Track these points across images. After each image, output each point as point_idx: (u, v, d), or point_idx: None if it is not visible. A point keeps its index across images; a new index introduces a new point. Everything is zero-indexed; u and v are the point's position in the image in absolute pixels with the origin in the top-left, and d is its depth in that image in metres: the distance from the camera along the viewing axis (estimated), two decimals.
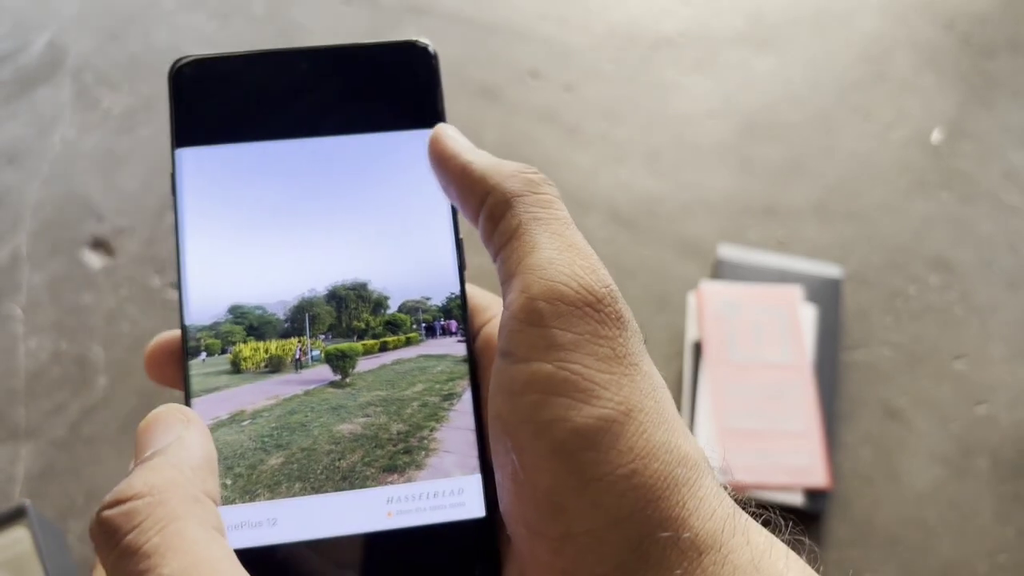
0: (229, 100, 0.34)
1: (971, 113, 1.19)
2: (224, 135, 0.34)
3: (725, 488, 0.29)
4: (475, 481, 0.31)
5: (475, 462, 0.31)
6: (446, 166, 0.31)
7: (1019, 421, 0.97)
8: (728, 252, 1.03)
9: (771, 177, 1.13)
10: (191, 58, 0.34)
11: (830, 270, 1.03)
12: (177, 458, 0.26)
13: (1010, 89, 1.21)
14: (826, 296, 1.01)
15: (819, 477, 0.89)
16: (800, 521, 1.01)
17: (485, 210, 0.30)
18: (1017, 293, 1.05)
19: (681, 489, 0.26)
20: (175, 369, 0.31)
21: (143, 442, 0.27)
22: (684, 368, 0.97)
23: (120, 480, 0.24)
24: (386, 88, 0.35)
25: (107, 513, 0.24)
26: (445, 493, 0.31)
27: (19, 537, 0.75)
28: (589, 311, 0.27)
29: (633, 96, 1.20)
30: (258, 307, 0.32)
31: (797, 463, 0.90)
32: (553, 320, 0.26)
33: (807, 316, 0.99)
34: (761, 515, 0.30)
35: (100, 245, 1.06)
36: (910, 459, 0.95)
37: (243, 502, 0.30)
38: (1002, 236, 1.09)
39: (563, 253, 0.28)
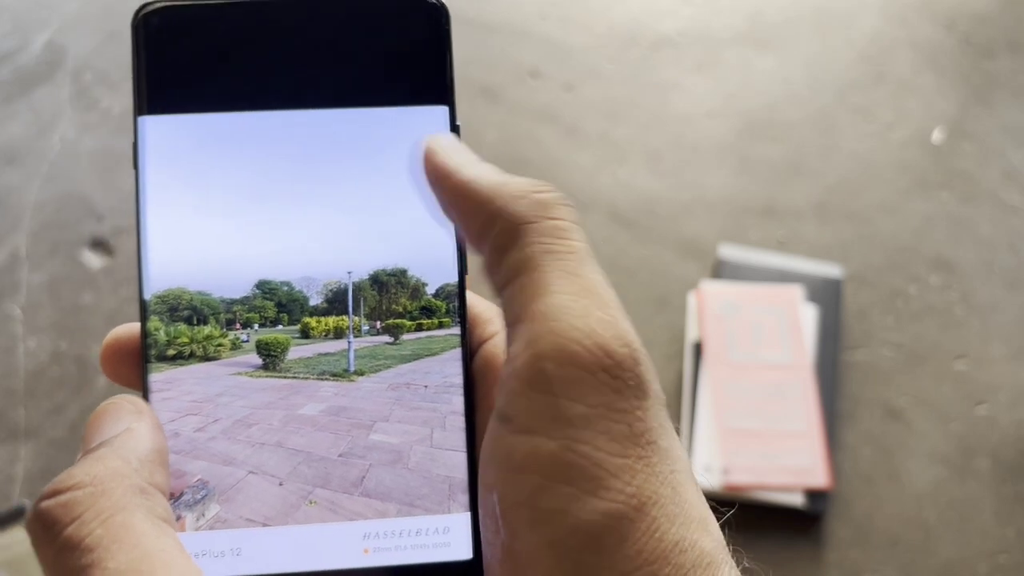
0: (205, 59, 0.29)
1: (971, 113, 1.19)
2: (199, 101, 0.29)
3: (738, 558, 0.25)
4: (463, 520, 0.27)
5: (465, 500, 0.28)
6: (444, 185, 0.27)
7: (1019, 421, 0.97)
8: (728, 252, 1.03)
9: (771, 177, 1.13)
10: (160, 5, 0.29)
11: (830, 270, 1.03)
12: (124, 448, 0.24)
13: (1010, 89, 1.21)
14: (826, 296, 1.01)
15: (819, 477, 0.89)
16: (800, 521, 1.01)
17: (491, 239, 0.25)
18: (1017, 293, 1.05)
19: None
20: (133, 368, 0.28)
21: (90, 433, 0.25)
22: (684, 368, 0.97)
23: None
24: (386, 52, 0.29)
25: (45, 504, 0.22)
26: (429, 531, 0.27)
27: (19, 537, 0.75)
28: (605, 377, 0.23)
29: (633, 96, 1.20)
30: (219, 298, 0.29)
31: (797, 463, 0.90)
32: (562, 387, 0.23)
33: (807, 316, 0.99)
34: None
35: (100, 245, 1.06)
36: (910, 459, 0.95)
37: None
38: (1002, 236, 1.09)
39: (579, 300, 0.24)
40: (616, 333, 0.24)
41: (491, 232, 0.25)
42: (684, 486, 0.24)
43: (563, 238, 0.25)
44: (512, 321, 0.24)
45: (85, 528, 0.22)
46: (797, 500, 0.89)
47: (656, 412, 0.24)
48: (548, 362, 0.23)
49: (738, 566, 0.25)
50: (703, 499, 0.24)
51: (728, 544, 0.25)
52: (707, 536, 0.23)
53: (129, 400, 0.26)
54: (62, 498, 0.22)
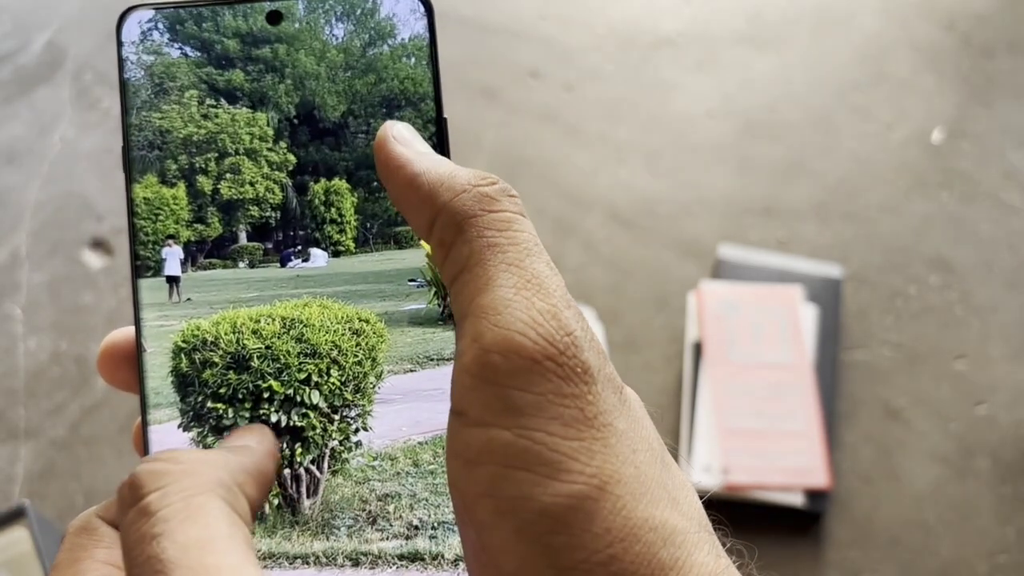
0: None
1: (971, 113, 1.19)
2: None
3: (724, 538, 0.25)
4: None
5: None
6: (392, 179, 0.26)
7: (1019, 421, 0.97)
8: (728, 252, 1.03)
9: (771, 177, 1.13)
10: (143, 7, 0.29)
11: (830, 270, 1.03)
12: (232, 453, 0.25)
13: (1010, 89, 1.21)
14: (826, 296, 1.01)
15: (819, 477, 0.89)
16: (800, 521, 1.01)
17: (435, 234, 0.26)
18: (1017, 293, 1.05)
19: (668, 574, 0.22)
20: (130, 371, 0.28)
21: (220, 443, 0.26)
22: (684, 368, 0.97)
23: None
24: None
25: (139, 468, 0.24)
26: None
27: (19, 537, 0.75)
28: (551, 365, 0.23)
29: (633, 96, 1.20)
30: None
31: (797, 463, 0.90)
32: (510, 378, 0.23)
33: (807, 316, 0.99)
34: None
35: (100, 245, 1.06)
36: (910, 459, 0.95)
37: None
38: (1002, 236, 1.09)
39: (520, 292, 0.24)
40: (559, 323, 0.24)
41: (435, 227, 0.25)
42: (649, 465, 0.24)
43: (506, 230, 0.25)
44: (459, 318, 0.25)
45: (165, 499, 0.23)
46: (797, 500, 0.89)
47: (607, 395, 0.24)
48: (494, 355, 0.23)
49: (724, 546, 0.25)
50: (675, 479, 0.24)
51: (717, 526, 0.25)
52: (677, 514, 0.23)
53: (261, 429, 0.27)
54: (155, 466, 0.24)
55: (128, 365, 0.29)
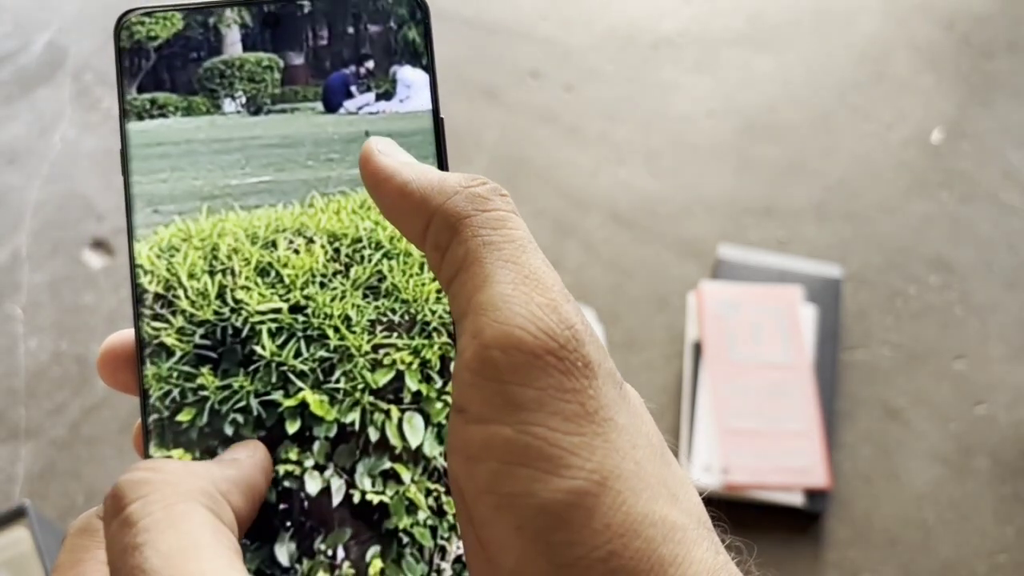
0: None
1: (971, 113, 1.19)
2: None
3: (724, 535, 0.25)
4: None
5: None
6: (383, 188, 0.26)
7: (1019, 421, 0.97)
8: (728, 252, 1.03)
9: (771, 177, 1.13)
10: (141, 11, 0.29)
11: (830, 270, 1.03)
12: (216, 464, 0.25)
13: (1010, 89, 1.21)
14: (826, 296, 1.01)
15: (819, 477, 0.89)
16: (800, 521, 1.00)
17: (429, 238, 0.26)
18: (1017, 293, 1.05)
19: (668, 571, 0.22)
20: (130, 373, 0.29)
21: None
22: (684, 368, 0.97)
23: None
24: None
25: (121, 479, 0.24)
26: None
27: (19, 537, 0.75)
28: (551, 360, 0.23)
29: (633, 96, 1.20)
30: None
31: (797, 463, 0.90)
32: (510, 373, 0.23)
33: (807, 316, 0.99)
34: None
35: (100, 245, 1.06)
36: (910, 459, 0.95)
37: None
38: (1002, 236, 1.09)
39: (519, 287, 0.24)
40: (559, 317, 0.24)
41: (430, 232, 0.26)
42: (649, 461, 0.24)
43: (500, 228, 0.25)
44: (459, 316, 0.25)
45: (147, 509, 0.23)
46: (796, 500, 0.89)
47: (608, 390, 0.24)
48: (494, 350, 0.23)
49: (724, 542, 0.25)
50: (675, 475, 0.24)
51: (717, 523, 0.25)
52: (677, 510, 0.23)
53: (254, 444, 0.27)
54: (136, 475, 0.24)
55: (128, 367, 0.29)
